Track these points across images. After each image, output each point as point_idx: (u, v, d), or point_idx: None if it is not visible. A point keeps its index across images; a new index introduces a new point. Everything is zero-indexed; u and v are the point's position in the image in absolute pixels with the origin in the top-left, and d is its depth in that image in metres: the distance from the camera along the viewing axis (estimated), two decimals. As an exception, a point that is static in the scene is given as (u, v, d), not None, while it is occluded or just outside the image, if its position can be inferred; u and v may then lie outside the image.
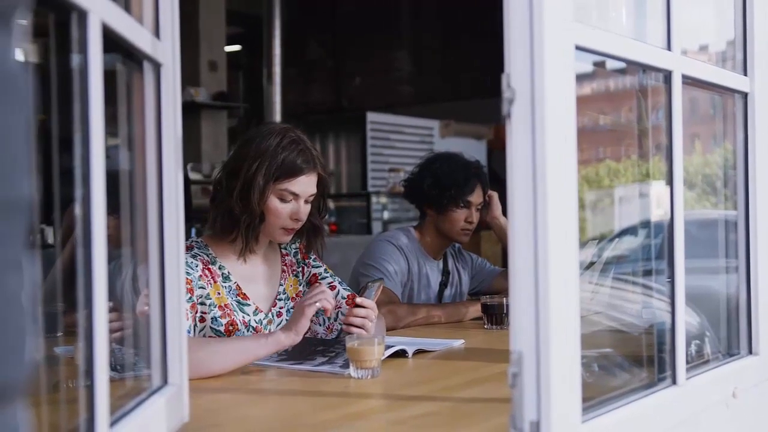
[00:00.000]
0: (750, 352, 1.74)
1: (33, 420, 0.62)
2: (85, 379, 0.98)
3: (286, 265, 2.27)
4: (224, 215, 2.10)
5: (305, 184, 2.09)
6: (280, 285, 2.23)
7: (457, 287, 3.09)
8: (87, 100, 0.96)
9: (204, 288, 2.05)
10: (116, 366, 1.29)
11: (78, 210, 0.97)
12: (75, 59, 0.98)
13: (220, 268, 2.12)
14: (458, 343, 2.28)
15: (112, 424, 1.04)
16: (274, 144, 2.06)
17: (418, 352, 2.10)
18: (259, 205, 2.06)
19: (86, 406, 0.97)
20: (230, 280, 2.12)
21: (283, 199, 2.08)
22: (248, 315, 2.11)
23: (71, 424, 1.04)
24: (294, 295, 2.26)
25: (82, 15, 0.95)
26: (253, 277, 2.18)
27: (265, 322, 2.16)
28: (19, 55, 0.57)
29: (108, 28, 1.02)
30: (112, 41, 1.06)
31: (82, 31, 0.96)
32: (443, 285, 3.04)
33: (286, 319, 2.18)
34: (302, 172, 2.08)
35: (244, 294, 2.13)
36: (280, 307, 2.22)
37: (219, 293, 2.08)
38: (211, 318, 2.05)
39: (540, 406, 1.11)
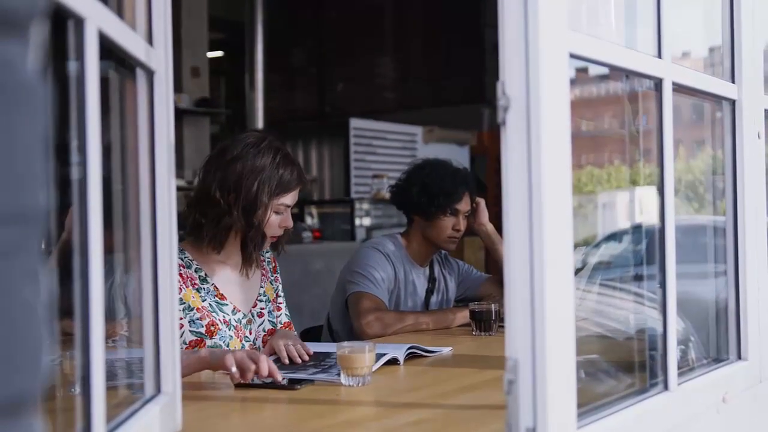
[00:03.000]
0: (739, 357, 1.75)
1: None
2: (76, 388, 0.97)
3: (264, 269, 2.36)
4: (221, 229, 2.14)
5: (295, 196, 2.24)
6: (261, 287, 2.32)
7: (444, 294, 3.09)
8: (84, 107, 0.95)
9: None
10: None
11: (74, 217, 0.96)
12: (71, 66, 0.97)
13: (196, 271, 2.18)
14: (446, 350, 2.28)
15: (108, 433, 1.03)
16: (269, 161, 2.16)
17: (410, 356, 2.10)
18: (263, 221, 2.16)
19: (82, 415, 0.96)
20: (208, 282, 2.18)
21: (278, 212, 2.20)
22: (227, 314, 2.17)
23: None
24: (272, 299, 2.34)
25: (79, 22, 0.95)
26: (232, 279, 2.25)
27: (244, 321, 2.22)
28: (34, 65, 0.56)
29: (104, 36, 1.01)
30: (107, 48, 1.06)
31: (78, 38, 0.95)
32: (429, 292, 3.04)
33: (268, 320, 2.29)
34: (296, 187, 2.22)
35: (222, 294, 2.20)
36: (261, 308, 2.29)
37: (194, 296, 2.14)
38: (190, 321, 2.10)
39: (536, 413, 1.11)
